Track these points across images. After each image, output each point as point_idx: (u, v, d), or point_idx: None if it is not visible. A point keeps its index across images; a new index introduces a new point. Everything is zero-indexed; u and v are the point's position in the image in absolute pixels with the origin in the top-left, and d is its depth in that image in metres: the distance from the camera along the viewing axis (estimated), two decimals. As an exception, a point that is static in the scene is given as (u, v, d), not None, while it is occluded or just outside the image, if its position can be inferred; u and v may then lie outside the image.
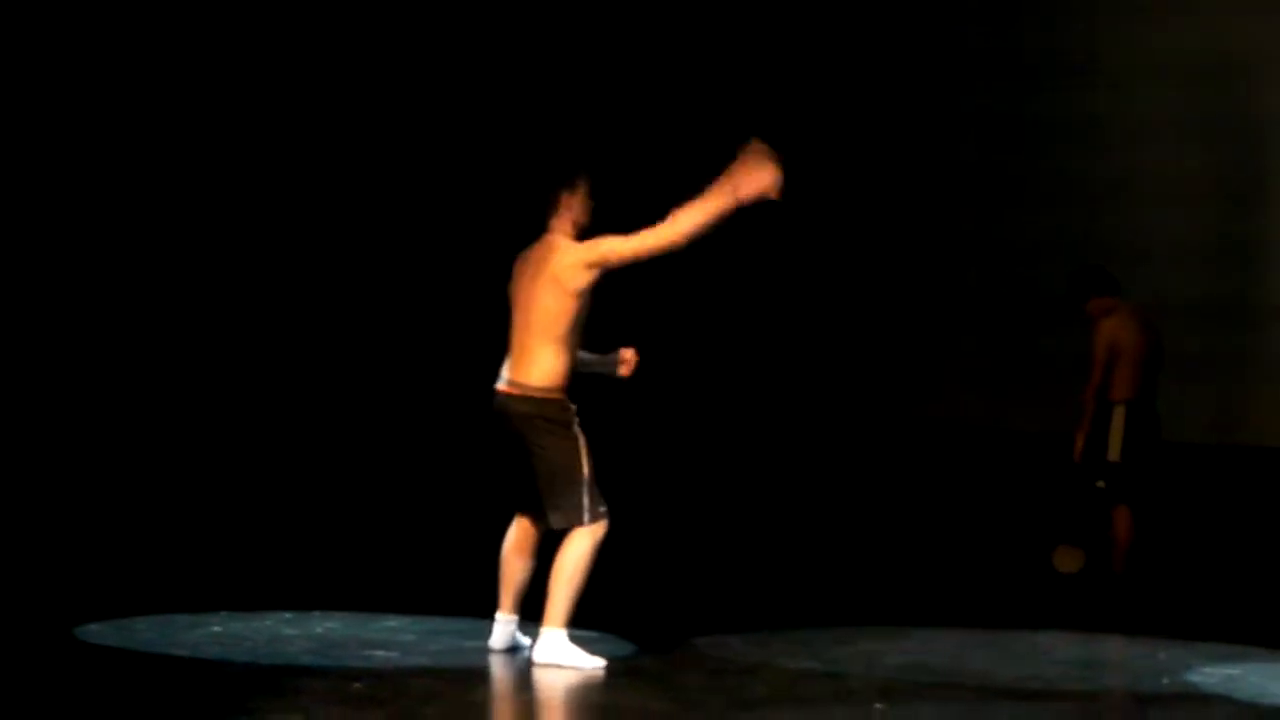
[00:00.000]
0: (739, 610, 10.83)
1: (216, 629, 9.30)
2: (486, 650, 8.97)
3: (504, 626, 8.83)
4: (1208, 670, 9.25)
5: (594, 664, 8.59)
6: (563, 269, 8.53)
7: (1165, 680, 8.97)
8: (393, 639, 9.23)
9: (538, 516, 8.73)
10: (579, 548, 8.58)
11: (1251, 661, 9.56)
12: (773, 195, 8.36)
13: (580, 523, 8.59)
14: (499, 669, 8.67)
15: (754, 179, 8.34)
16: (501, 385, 8.67)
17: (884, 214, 14.71)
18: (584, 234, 8.66)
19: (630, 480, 14.28)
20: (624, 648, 9.22)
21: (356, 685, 8.12)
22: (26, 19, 14.33)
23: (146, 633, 9.18)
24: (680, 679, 8.58)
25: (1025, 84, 14.07)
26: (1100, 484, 11.74)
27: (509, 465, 8.70)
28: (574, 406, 8.63)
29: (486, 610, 9.95)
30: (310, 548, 12.34)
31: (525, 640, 8.81)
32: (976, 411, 14.01)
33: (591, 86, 15.06)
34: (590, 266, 8.51)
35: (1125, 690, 9.01)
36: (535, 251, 8.69)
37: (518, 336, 8.63)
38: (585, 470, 8.60)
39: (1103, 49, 13.85)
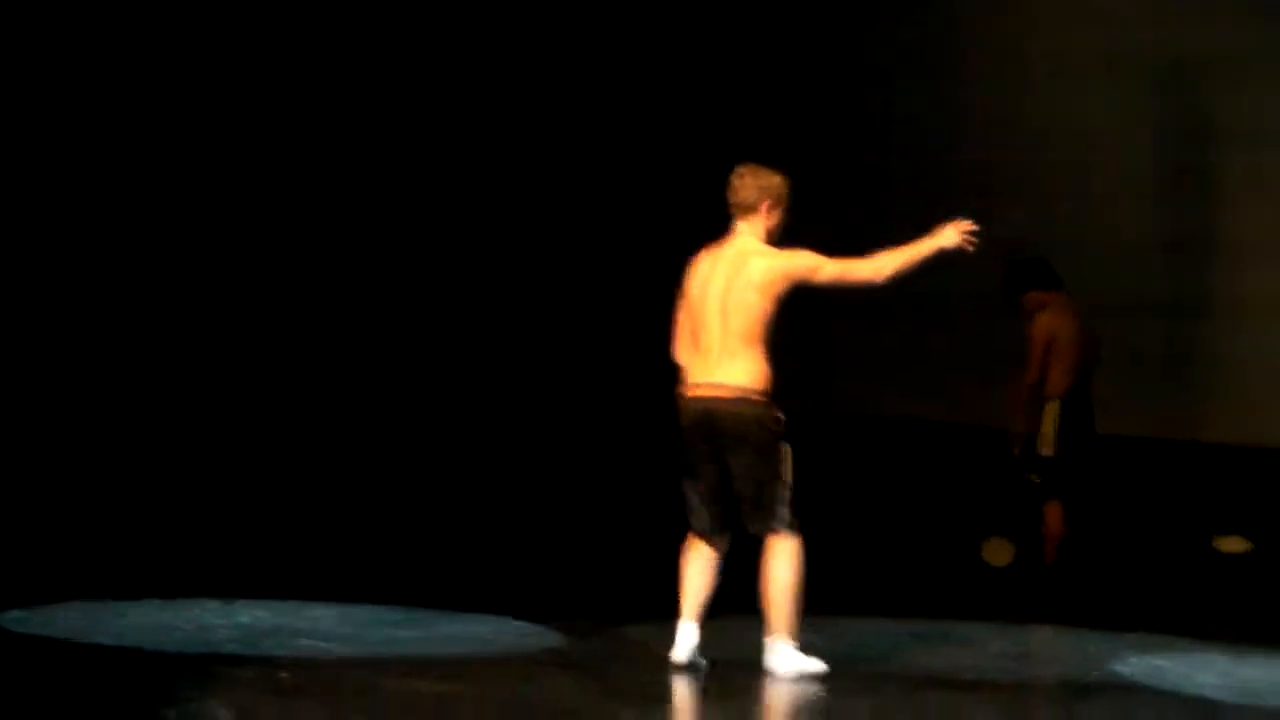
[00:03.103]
0: (670, 600, 10.86)
1: (143, 618, 9.24)
2: (414, 641, 9.00)
3: (689, 635, 8.57)
4: (1135, 660, 9.34)
5: (821, 668, 8.49)
6: (764, 272, 8.43)
7: (1094, 671, 9.05)
8: (320, 628, 9.20)
9: (726, 527, 8.55)
10: (787, 562, 8.45)
11: (1177, 652, 9.69)
12: (968, 248, 8.52)
13: (779, 531, 8.44)
14: (426, 659, 8.66)
15: (953, 234, 8.54)
16: (707, 389, 8.48)
17: (820, 206, 14.68)
18: (772, 244, 8.57)
19: (565, 470, 14.42)
20: (553, 638, 9.24)
21: (284, 675, 8.10)
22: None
23: (71, 621, 9.11)
24: (612, 671, 8.60)
25: (969, 79, 14.09)
26: (1033, 478, 11.80)
27: (705, 470, 8.51)
28: (783, 415, 8.51)
29: (416, 599, 10.00)
30: (236, 535, 12.30)
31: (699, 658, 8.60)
32: (900, 403, 14.04)
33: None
34: (789, 277, 8.44)
35: (1055, 680, 9.07)
36: (724, 251, 8.56)
37: (715, 338, 8.46)
38: (790, 480, 8.47)
39: (1055, 47, 13.88)
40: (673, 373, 8.53)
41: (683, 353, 8.63)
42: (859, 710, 8.01)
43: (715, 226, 8.56)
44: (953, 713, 8.05)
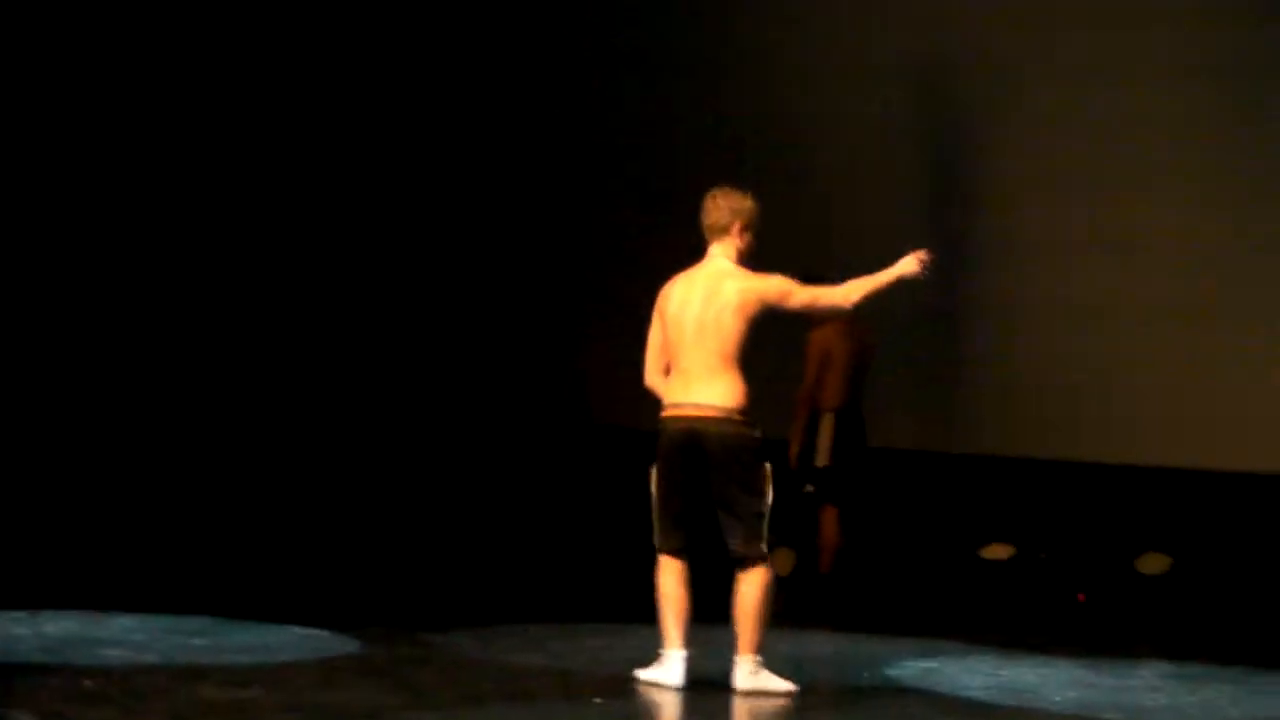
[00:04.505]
0: (467, 606, 10.91)
1: (-52, 629, 9.15)
2: (215, 649, 8.97)
3: (682, 663, 8.55)
4: (907, 664, 9.55)
5: (789, 686, 8.53)
6: (740, 294, 8.43)
7: (866, 674, 9.20)
8: (124, 637, 9.15)
9: (691, 544, 8.55)
10: (759, 584, 8.48)
11: (947, 655, 9.90)
12: (921, 276, 8.54)
13: (759, 556, 8.46)
14: (225, 666, 8.63)
15: (913, 263, 8.54)
16: (690, 409, 8.44)
17: (555, 216, 14.81)
18: (744, 265, 8.61)
19: (346, 481, 14.40)
20: (352, 645, 9.24)
21: (87, 683, 8.04)
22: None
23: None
24: (410, 675, 8.61)
25: (721, 83, 14.17)
26: (809, 488, 11.95)
27: (682, 491, 8.48)
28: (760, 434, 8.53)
29: (218, 609, 9.97)
30: (41, 547, 12.16)
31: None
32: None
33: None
34: (764, 300, 8.46)
35: (831, 683, 9.19)
36: (699, 273, 8.58)
37: (695, 359, 8.44)
38: (770, 502, 8.48)
39: (804, 49, 14.03)
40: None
41: (653, 376, 8.64)
42: (623, 714, 8.08)
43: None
44: (729, 717, 8.17)
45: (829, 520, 11.93)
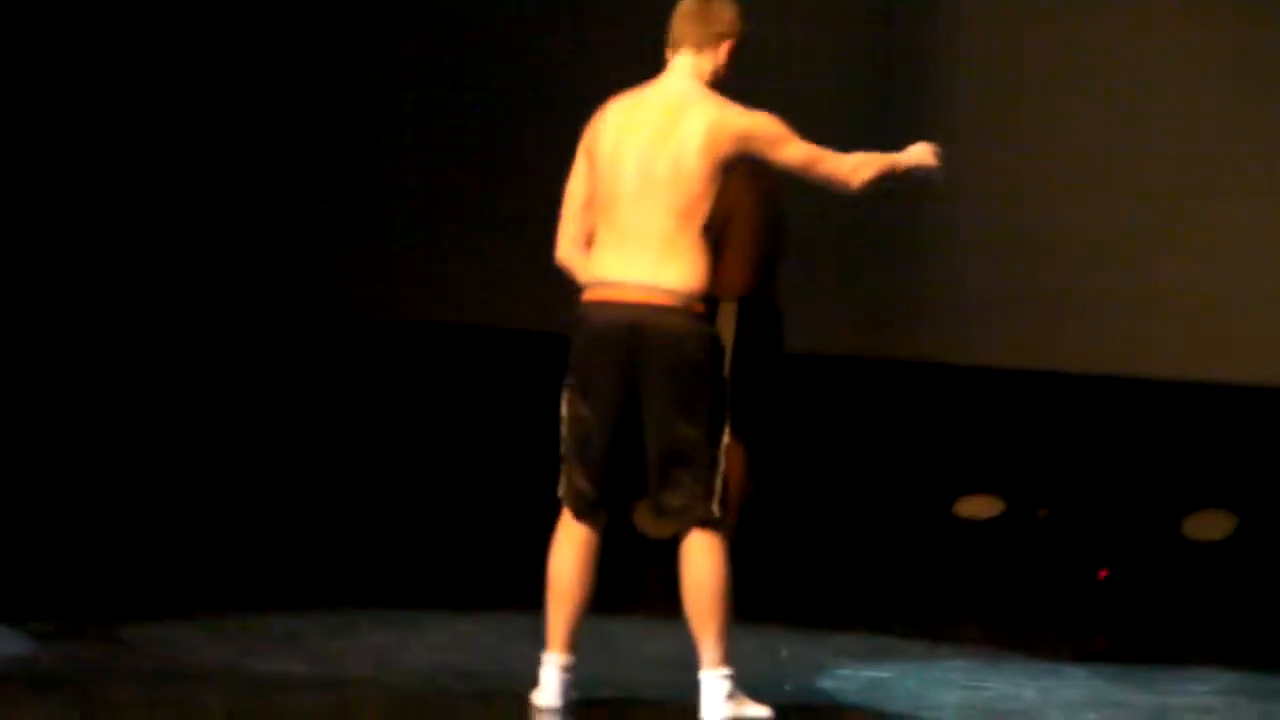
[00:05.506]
0: (191, 585, 11.13)
1: None
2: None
3: (560, 674, 8.46)
4: (848, 673, 9.62)
5: (766, 713, 8.47)
6: (711, 130, 8.29)
7: (789, 687, 9.23)
8: None
9: (608, 494, 8.44)
10: (711, 558, 8.38)
11: (905, 660, 10.04)
12: (935, 174, 8.55)
13: (710, 517, 8.35)
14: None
15: (929, 153, 8.53)
16: (633, 291, 8.33)
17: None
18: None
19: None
20: (18, 645, 9.32)
21: None
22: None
23: None
24: (105, 692, 8.68)
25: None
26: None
27: (605, 404, 8.36)
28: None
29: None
30: None
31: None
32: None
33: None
34: (746, 139, 8.32)
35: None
36: (649, 96, 8.46)
37: (642, 220, 8.33)
38: (727, 437, 8.39)
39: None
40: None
41: (570, 246, 8.51)
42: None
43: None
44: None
45: (733, 458, 11.83)
